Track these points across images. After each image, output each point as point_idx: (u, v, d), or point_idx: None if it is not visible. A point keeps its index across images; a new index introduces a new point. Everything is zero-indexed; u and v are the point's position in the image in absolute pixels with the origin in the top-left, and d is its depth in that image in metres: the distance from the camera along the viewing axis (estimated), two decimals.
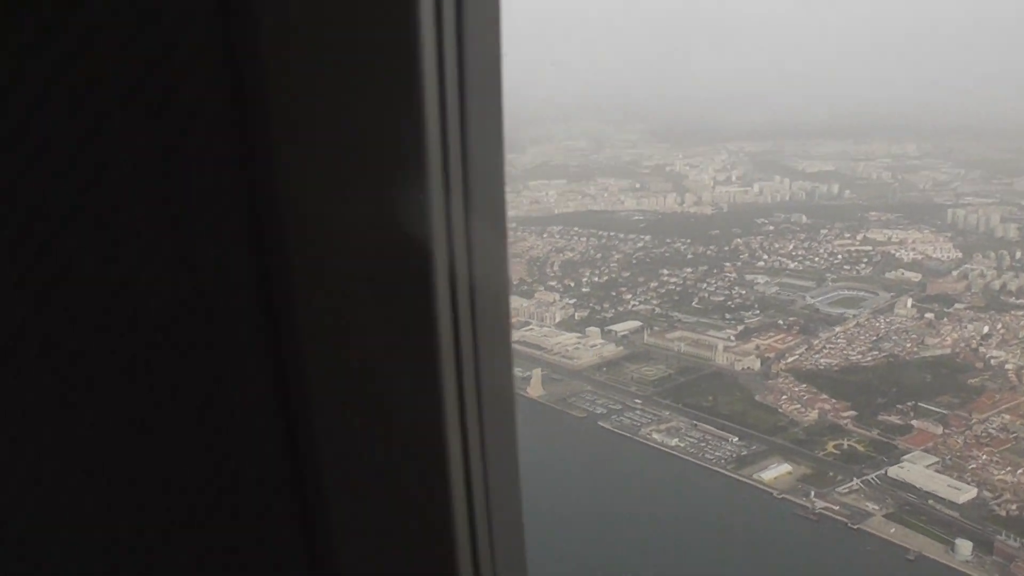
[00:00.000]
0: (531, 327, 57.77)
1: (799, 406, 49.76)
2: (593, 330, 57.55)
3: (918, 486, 43.00)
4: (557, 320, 59.24)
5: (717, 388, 52.23)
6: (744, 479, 45.09)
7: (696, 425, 48.89)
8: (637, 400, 51.77)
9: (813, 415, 49.18)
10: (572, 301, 60.98)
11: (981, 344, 52.98)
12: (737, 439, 47.66)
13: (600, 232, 68.45)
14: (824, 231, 67.84)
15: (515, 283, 60.30)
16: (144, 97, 0.95)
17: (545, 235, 68.49)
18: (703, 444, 47.66)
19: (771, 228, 68.46)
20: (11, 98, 0.93)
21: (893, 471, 43.98)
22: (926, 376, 51.01)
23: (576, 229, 69.25)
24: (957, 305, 56.56)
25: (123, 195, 0.99)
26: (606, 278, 63.16)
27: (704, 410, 50.29)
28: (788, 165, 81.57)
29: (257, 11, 0.93)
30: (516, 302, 57.80)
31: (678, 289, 61.49)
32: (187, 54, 0.94)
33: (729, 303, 59.95)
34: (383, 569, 1.22)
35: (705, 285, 61.49)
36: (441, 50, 1.00)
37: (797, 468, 45.34)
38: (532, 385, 51.80)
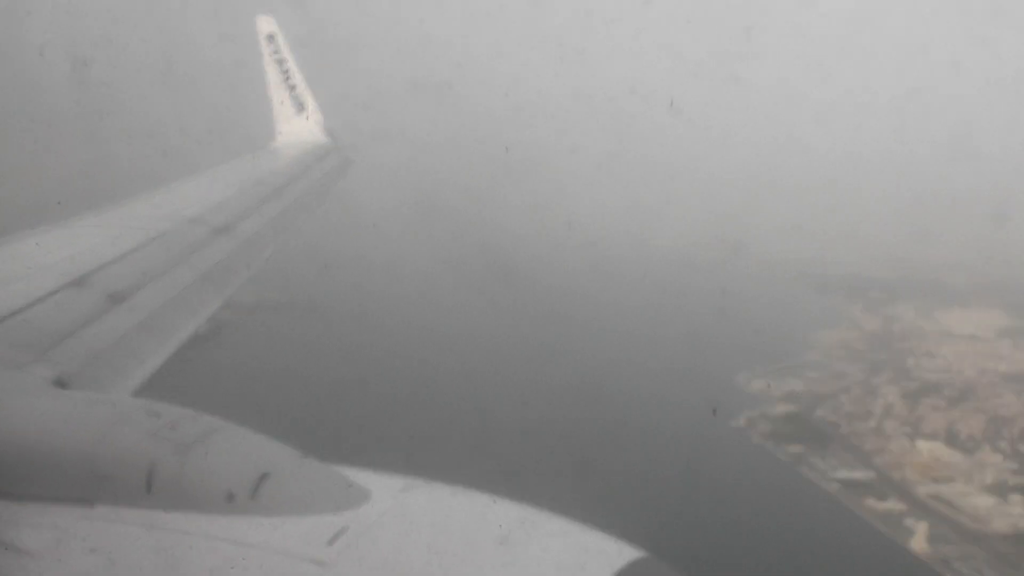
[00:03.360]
0: (955, 483, 50.32)
1: None
2: (1019, 500, 48.66)
3: None
4: (987, 482, 50.60)
5: None
6: None
7: None
8: None
9: None
10: (1014, 467, 52.31)
11: None
12: None
13: None
14: None
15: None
16: None
17: None
18: None
19: None
20: None
21: None
22: None
23: None
24: None
25: None
26: None
27: None
28: None
29: None
30: (951, 456, 53.09)
31: None
32: None
33: None
34: None
35: None
36: None
37: None
38: (916, 539, 44.73)
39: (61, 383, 5.27)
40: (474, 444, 46.67)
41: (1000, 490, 49.02)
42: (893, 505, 46.99)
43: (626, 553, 3.18)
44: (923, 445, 54.19)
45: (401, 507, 3.50)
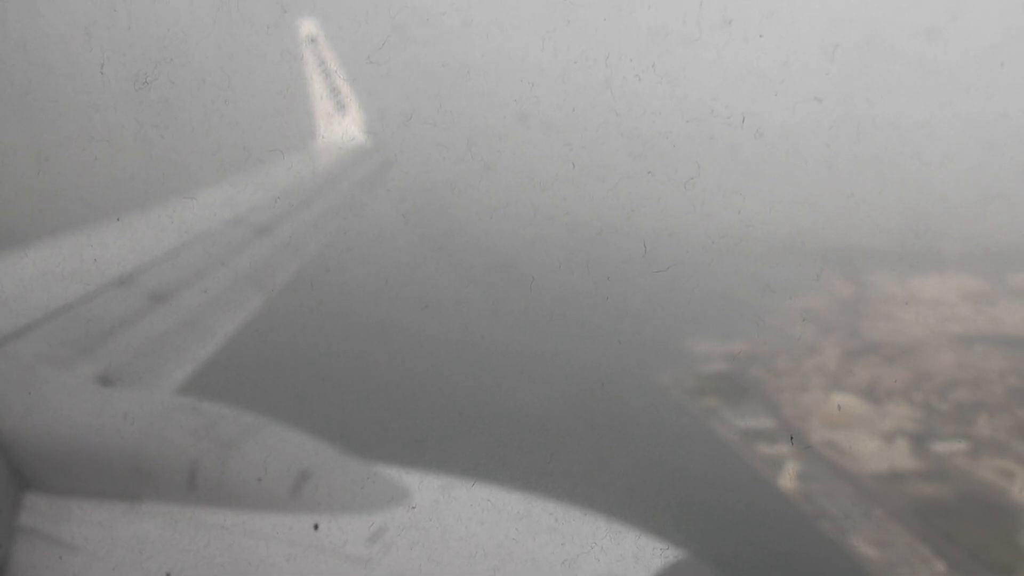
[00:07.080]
0: (852, 430, 51.63)
1: None
2: (904, 444, 49.92)
3: None
4: (884, 429, 51.83)
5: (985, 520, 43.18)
6: None
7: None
8: (878, 510, 43.86)
9: None
10: (918, 416, 53.83)
11: None
12: None
13: None
14: None
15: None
16: None
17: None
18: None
19: None
20: None
21: None
22: None
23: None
24: None
25: None
26: (974, 399, 55.75)
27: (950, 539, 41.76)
28: None
29: None
30: (860, 407, 54.85)
31: None
32: None
33: None
34: None
35: None
36: None
37: None
38: (783, 477, 46.80)
39: (105, 380, 5.41)
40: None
41: (892, 436, 50.69)
42: (779, 449, 49.29)
43: (664, 554, 3.25)
44: (836, 397, 55.84)
45: (441, 506, 3.60)
